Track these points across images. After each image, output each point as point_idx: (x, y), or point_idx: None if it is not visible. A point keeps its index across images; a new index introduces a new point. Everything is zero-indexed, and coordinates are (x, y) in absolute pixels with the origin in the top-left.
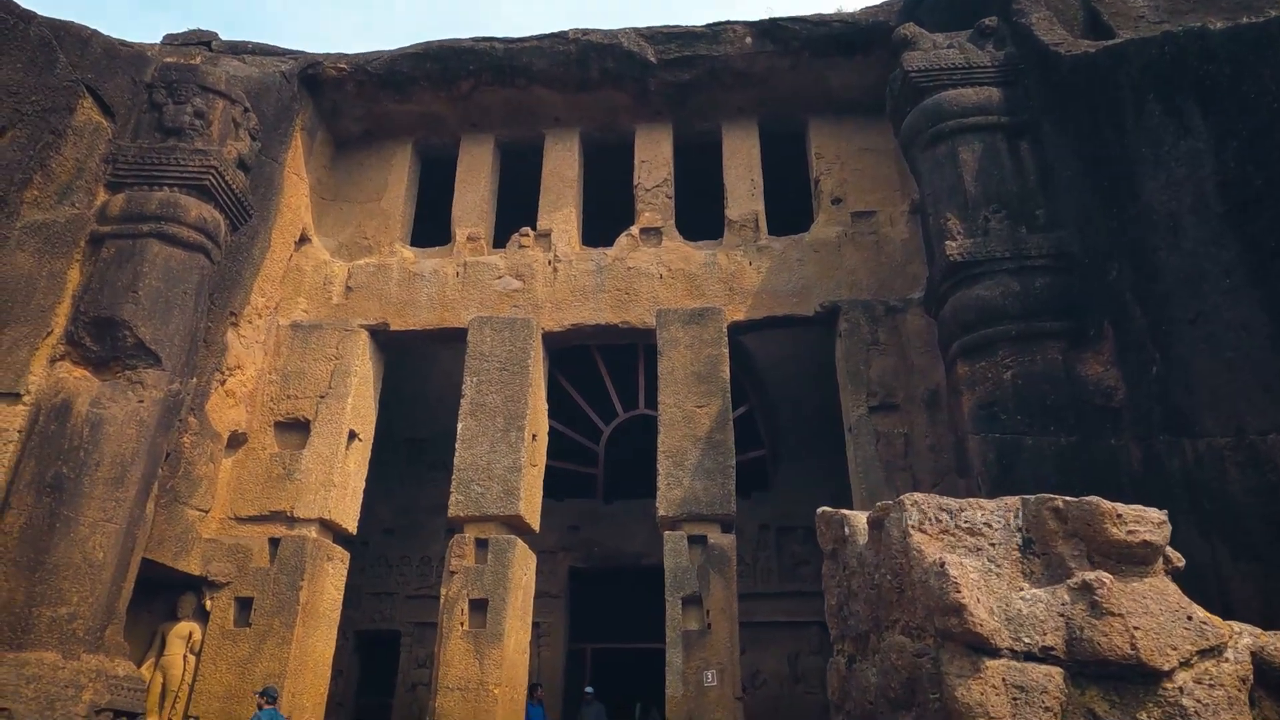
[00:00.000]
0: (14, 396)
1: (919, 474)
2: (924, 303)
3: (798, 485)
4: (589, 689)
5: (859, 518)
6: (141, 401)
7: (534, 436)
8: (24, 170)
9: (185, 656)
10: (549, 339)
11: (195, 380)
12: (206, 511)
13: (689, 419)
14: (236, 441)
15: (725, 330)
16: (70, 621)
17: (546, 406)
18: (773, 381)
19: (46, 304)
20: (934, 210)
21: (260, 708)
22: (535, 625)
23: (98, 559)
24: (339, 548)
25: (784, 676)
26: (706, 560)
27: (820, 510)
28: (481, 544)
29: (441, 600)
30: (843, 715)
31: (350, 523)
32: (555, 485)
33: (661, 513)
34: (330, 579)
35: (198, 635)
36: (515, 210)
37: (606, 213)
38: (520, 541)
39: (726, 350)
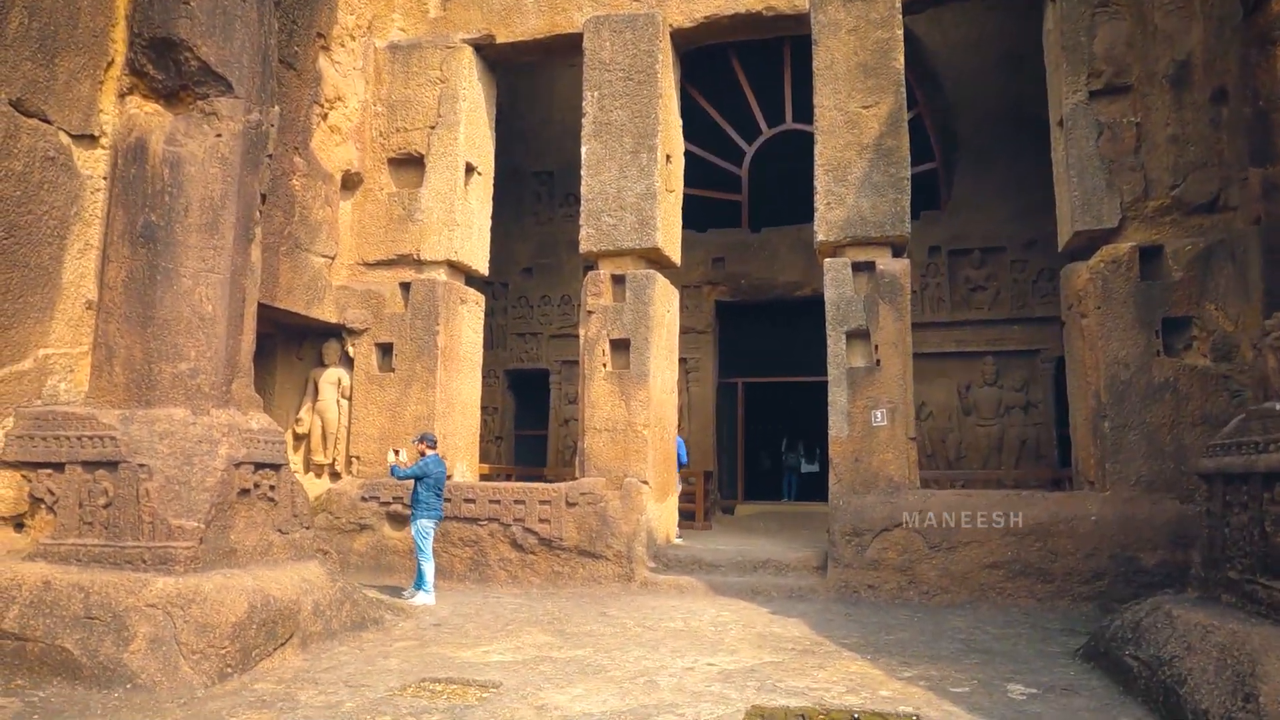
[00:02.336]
0: (90, 139)
1: (1154, 173)
2: None
3: (975, 201)
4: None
5: None
6: (220, 136)
7: (668, 158)
8: None
9: (338, 401)
10: (678, 37)
11: (277, 109)
12: (332, 258)
13: (853, 123)
14: (351, 183)
15: (898, 6)
16: (193, 377)
17: (680, 122)
18: (948, 77)
19: (98, 26)
20: None
21: (422, 454)
22: (682, 361)
23: (207, 311)
24: (472, 290)
25: (952, 409)
26: (875, 289)
27: None
28: (618, 280)
29: (581, 341)
30: None
31: (479, 263)
32: (696, 215)
33: (820, 237)
34: (466, 322)
35: (346, 381)
36: None
37: None
38: (660, 276)
39: (900, 32)
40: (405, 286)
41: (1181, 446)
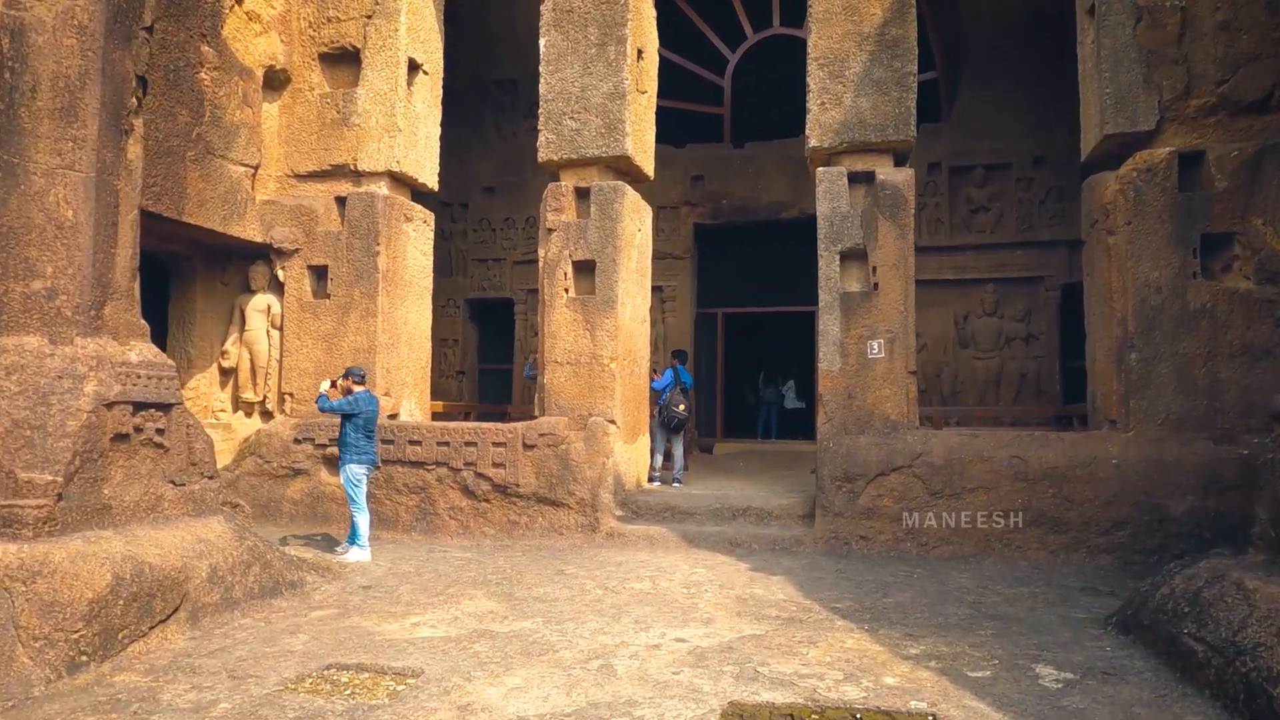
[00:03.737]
0: None
1: (1199, 66)
2: None
3: (980, 113)
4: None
5: None
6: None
7: (639, 53)
8: None
9: (268, 332)
10: None
11: None
12: (255, 168)
13: (852, 9)
14: (276, 81)
15: None
16: (50, 299)
17: (654, 14)
18: None
19: None
20: None
21: (348, 392)
22: (657, 289)
23: (66, 218)
24: (419, 207)
25: (949, 340)
26: (874, 203)
27: None
28: (582, 194)
29: (540, 263)
30: None
31: (427, 176)
32: (672, 130)
33: (813, 143)
34: (413, 242)
35: (276, 308)
36: None
37: None
38: (630, 189)
39: None
40: (341, 201)
41: (1217, 380)
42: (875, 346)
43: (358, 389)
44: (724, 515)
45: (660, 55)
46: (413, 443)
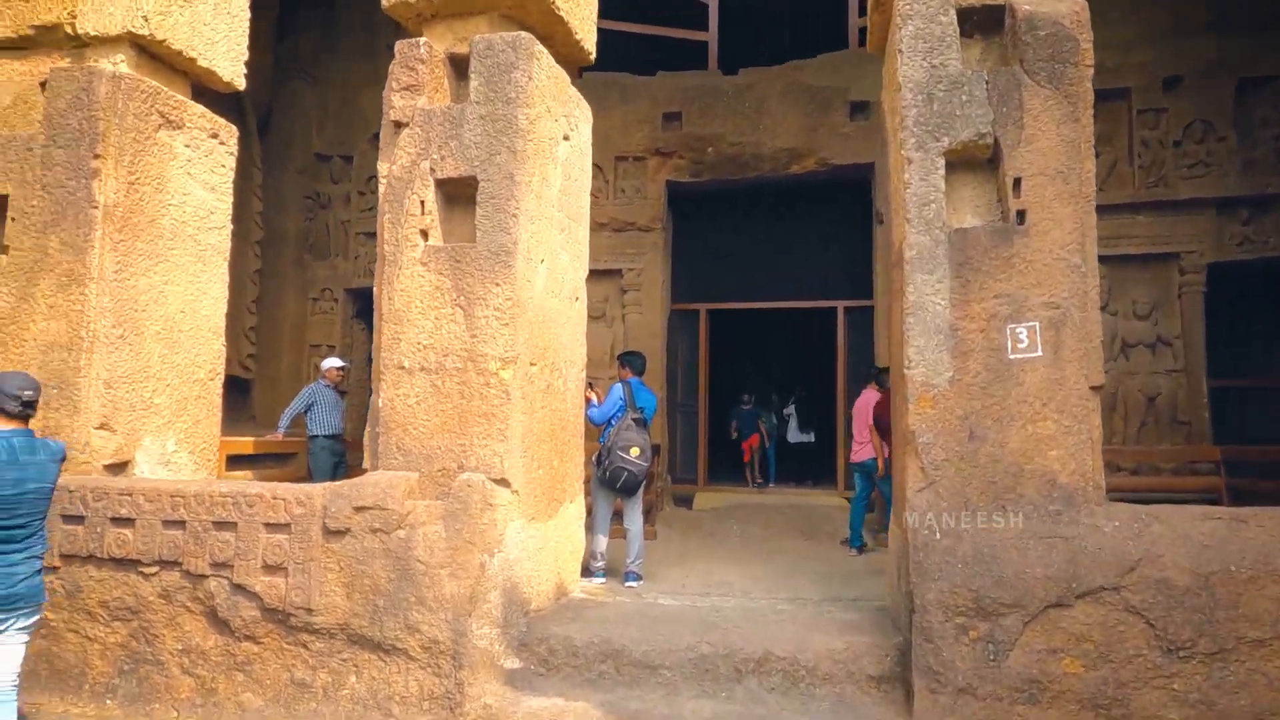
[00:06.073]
0: None
1: None
2: None
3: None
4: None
5: None
6: None
7: None
8: None
9: None
10: None
11: None
12: None
13: None
14: None
15: None
16: None
17: None
18: None
19: None
20: None
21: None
22: (613, 274)
23: None
24: (199, 108)
25: None
26: (1013, 57)
27: None
28: (459, 64)
29: (381, 186)
30: None
31: (218, 58)
32: (637, 52)
33: None
34: (181, 164)
35: None
36: None
37: None
38: (545, 54)
39: None
40: (44, 87)
41: None
42: (1023, 336)
43: (5, 425)
44: (718, 673)
45: None
46: (119, 522)
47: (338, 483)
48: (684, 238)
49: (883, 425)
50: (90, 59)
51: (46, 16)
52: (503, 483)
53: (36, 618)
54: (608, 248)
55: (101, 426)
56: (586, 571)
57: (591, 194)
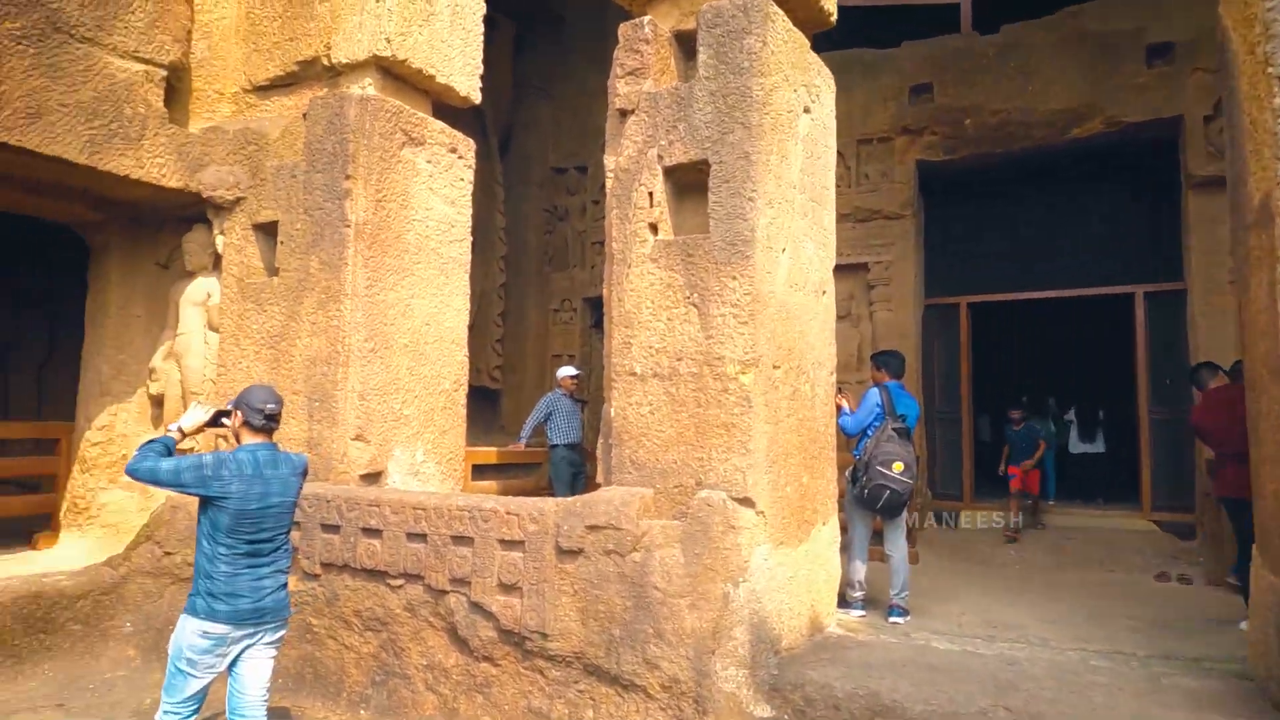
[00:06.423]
0: None
1: None
2: None
3: None
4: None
5: None
6: None
7: None
8: None
9: (205, 336)
10: None
11: None
12: (166, 67)
13: None
14: None
15: None
16: None
17: None
18: None
19: None
20: None
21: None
22: (859, 268)
23: None
24: (438, 124)
25: None
26: None
27: None
28: (685, 41)
29: (608, 182)
30: None
31: (455, 73)
32: (876, 25)
33: None
34: (424, 180)
35: (216, 299)
36: None
37: None
38: (781, 16)
39: None
40: (305, 117)
41: None
42: None
43: (245, 439)
44: None
45: None
46: (368, 532)
47: (570, 499)
48: (938, 224)
49: (1203, 432)
50: (343, 86)
51: (307, 52)
52: (746, 502)
53: (283, 632)
54: (851, 240)
55: (357, 438)
56: (842, 602)
57: None
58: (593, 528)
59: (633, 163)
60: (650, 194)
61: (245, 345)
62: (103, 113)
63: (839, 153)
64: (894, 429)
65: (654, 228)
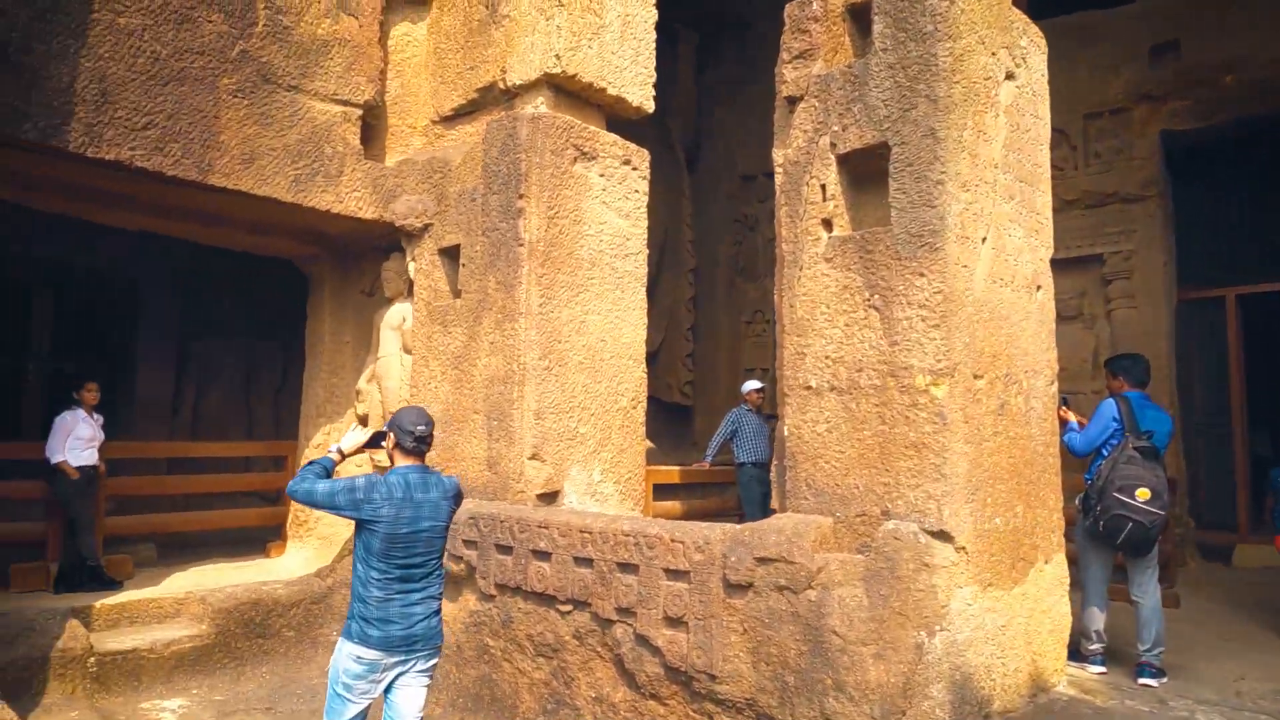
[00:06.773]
0: None
1: None
2: None
3: None
4: None
5: None
6: None
7: None
8: None
9: (401, 358)
10: None
11: None
12: (362, 106)
13: None
14: None
15: None
16: None
17: None
18: None
19: None
20: None
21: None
22: (1093, 261)
23: None
24: (612, 137)
25: None
26: None
27: None
28: (859, 15)
29: (778, 180)
30: None
31: (628, 84)
32: None
33: None
34: (597, 195)
35: (410, 323)
36: None
37: None
38: None
39: None
40: (484, 142)
41: None
42: None
43: (398, 461)
44: None
45: None
46: (538, 555)
47: (738, 527)
48: (1189, 204)
49: None
50: (518, 107)
51: (486, 78)
52: (942, 535)
53: (435, 660)
54: (1079, 229)
55: (533, 457)
56: (1075, 654)
57: (1052, 164)
58: (762, 560)
59: (802, 154)
60: (823, 186)
61: (433, 366)
62: (306, 153)
63: (1062, 131)
64: (1136, 447)
65: (827, 224)
